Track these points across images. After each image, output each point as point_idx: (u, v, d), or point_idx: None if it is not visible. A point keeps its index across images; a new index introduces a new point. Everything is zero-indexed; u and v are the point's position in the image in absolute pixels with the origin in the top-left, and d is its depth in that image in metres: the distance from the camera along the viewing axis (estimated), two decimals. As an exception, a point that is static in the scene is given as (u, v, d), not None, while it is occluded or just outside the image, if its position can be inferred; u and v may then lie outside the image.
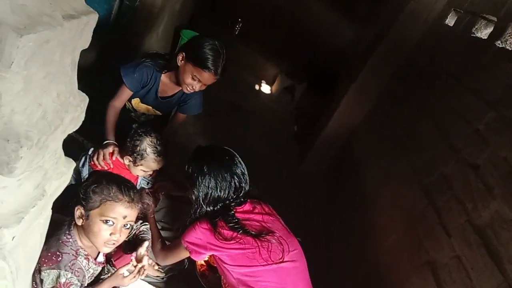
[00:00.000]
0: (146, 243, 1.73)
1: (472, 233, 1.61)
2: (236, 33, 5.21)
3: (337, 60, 4.50)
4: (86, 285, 1.59)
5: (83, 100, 1.26)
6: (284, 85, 4.79)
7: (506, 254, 1.41)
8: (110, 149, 2.03)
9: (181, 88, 2.25)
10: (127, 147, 2.01)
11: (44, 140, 1.04)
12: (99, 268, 1.66)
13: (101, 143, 2.08)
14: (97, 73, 2.28)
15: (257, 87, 5.03)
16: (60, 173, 1.32)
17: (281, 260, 1.69)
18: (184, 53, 2.08)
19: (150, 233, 1.89)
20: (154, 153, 2.00)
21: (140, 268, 1.66)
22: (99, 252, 1.65)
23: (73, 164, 1.42)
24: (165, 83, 2.29)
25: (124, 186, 1.54)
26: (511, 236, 1.42)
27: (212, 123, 3.89)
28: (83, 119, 1.26)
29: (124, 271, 1.63)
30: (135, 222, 1.64)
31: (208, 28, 4.44)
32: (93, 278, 1.65)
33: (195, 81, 2.09)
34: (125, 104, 2.39)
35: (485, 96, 1.90)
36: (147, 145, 1.98)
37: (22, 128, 0.95)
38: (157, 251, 1.94)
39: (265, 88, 5.02)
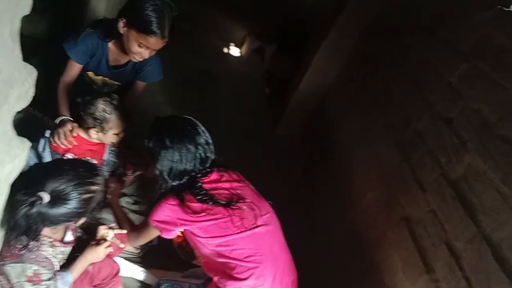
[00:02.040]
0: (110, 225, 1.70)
1: (447, 187, 1.62)
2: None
3: (306, 18, 4.37)
4: (58, 269, 1.52)
5: (31, 74, 1.14)
6: (253, 47, 4.65)
7: (479, 206, 1.42)
8: (69, 126, 1.91)
9: None
10: (86, 121, 1.90)
11: (-12, 120, 0.94)
12: (69, 248, 1.59)
13: (55, 122, 1.96)
14: (55, 43, 2.11)
15: (225, 50, 4.87)
16: (14, 155, 1.21)
17: (254, 225, 1.67)
18: (125, 19, 1.91)
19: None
20: (115, 109, 1.90)
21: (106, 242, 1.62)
22: (66, 232, 1.57)
23: (28, 144, 1.31)
24: (114, 52, 2.14)
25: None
26: (484, 188, 1.43)
27: (181, 91, 3.76)
28: (32, 94, 1.15)
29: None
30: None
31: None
32: (64, 260, 1.58)
33: (142, 48, 1.95)
34: (84, 78, 2.25)
35: (458, 48, 1.86)
36: (103, 106, 1.87)
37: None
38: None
39: (234, 51, 4.87)
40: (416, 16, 2.48)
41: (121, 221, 1.91)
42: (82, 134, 1.95)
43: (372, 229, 2.03)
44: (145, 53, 1.98)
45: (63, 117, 1.96)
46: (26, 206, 1.26)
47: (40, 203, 1.29)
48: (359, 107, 2.82)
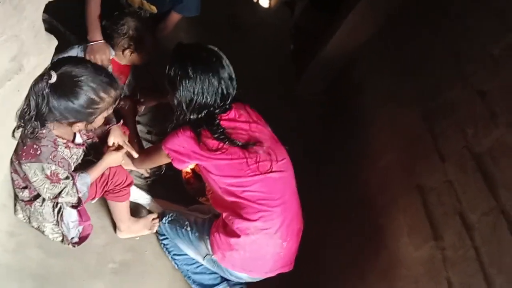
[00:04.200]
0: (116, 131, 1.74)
1: (470, 159, 1.58)
2: None
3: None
4: (72, 170, 1.54)
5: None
6: (284, -1, 4.49)
7: (502, 180, 1.39)
8: (108, 54, 1.87)
9: None
10: (118, 44, 1.85)
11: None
12: (81, 150, 1.60)
13: (87, 41, 1.89)
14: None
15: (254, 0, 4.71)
16: (40, 50, 1.18)
17: (269, 170, 1.65)
18: None
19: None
20: (147, 26, 1.86)
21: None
22: (75, 134, 1.57)
23: (55, 42, 1.28)
24: None
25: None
26: (510, 163, 1.38)
27: (205, 34, 3.65)
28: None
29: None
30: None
31: None
32: (78, 161, 1.60)
33: None
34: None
35: (509, 19, 1.75)
36: (134, 23, 1.83)
37: (-9, -23, 0.80)
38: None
39: (263, 2, 4.70)
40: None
41: (133, 139, 1.90)
42: (120, 59, 1.93)
43: (383, 193, 2.02)
44: None
45: (98, 42, 1.88)
46: (36, 80, 1.26)
47: (48, 80, 1.28)
48: (388, 71, 2.73)
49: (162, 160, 1.75)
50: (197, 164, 1.71)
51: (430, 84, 2.11)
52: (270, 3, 4.73)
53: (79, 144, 1.59)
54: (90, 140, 1.70)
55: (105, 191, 1.71)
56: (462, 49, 1.99)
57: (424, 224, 1.64)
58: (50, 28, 2.08)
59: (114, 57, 1.93)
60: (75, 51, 1.89)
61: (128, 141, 1.79)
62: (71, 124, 1.46)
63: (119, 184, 1.72)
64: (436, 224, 1.59)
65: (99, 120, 1.52)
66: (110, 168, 1.65)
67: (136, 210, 2.03)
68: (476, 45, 1.89)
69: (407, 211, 1.79)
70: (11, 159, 1.48)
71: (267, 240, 1.64)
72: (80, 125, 1.48)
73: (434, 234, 1.57)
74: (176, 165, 1.70)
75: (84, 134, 1.65)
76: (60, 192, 1.47)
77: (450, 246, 1.47)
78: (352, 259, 2.01)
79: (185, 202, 2.12)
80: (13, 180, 1.57)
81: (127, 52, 1.88)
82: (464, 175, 1.57)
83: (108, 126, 1.73)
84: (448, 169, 1.67)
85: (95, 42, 1.89)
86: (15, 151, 1.45)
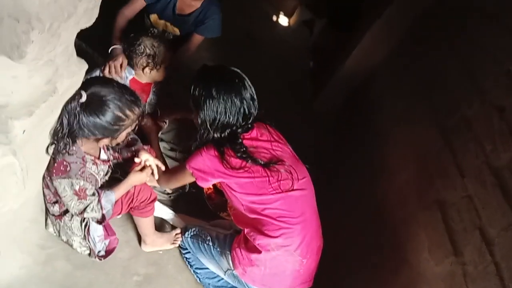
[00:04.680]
0: (143, 150, 1.80)
1: (489, 174, 1.57)
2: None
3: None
4: (99, 186, 1.61)
5: (97, -9, 1.17)
6: (303, 18, 4.58)
7: (522, 195, 1.38)
8: (120, 60, 1.95)
9: (198, 7, 2.15)
10: (138, 63, 1.93)
11: (57, 28, 0.97)
12: (106, 167, 1.68)
13: (108, 51, 2.00)
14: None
15: (274, 18, 4.81)
16: (72, 72, 1.26)
17: (290, 189, 1.68)
18: None
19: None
20: (161, 41, 1.93)
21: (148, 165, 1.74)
22: (100, 150, 1.66)
23: (85, 66, 1.36)
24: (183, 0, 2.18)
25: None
26: (530, 179, 1.39)
27: (226, 51, 3.75)
28: (97, 14, 1.18)
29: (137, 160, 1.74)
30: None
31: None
32: (105, 178, 1.67)
33: None
34: (145, 21, 2.30)
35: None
36: (149, 41, 1.91)
37: (33, 9, 0.88)
38: (159, 174, 1.90)
39: (283, 20, 4.81)
40: (481, 1, 2.37)
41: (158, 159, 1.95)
42: (139, 77, 2.00)
43: (402, 208, 2.02)
44: None
45: (115, 47, 1.99)
46: (68, 100, 1.36)
47: (79, 99, 1.38)
48: (404, 89, 2.75)
49: (186, 179, 1.80)
50: (220, 182, 1.76)
51: (446, 101, 2.12)
52: (289, 22, 4.84)
53: (104, 160, 1.67)
54: (116, 161, 1.77)
55: (131, 208, 1.78)
56: (478, 66, 2.01)
57: (444, 239, 1.64)
58: (79, 50, 2.21)
59: (134, 76, 2.01)
60: (98, 72, 2.00)
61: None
62: (97, 140, 1.54)
63: (144, 201, 1.78)
64: (456, 239, 1.59)
65: (122, 136, 1.60)
66: (135, 186, 1.71)
67: (159, 225, 2.09)
68: (492, 62, 1.90)
69: (427, 227, 1.79)
70: (43, 175, 1.57)
71: (287, 257, 1.66)
72: (106, 141, 1.56)
73: (454, 250, 1.56)
74: (200, 183, 1.75)
75: (111, 154, 1.73)
76: (85, 208, 1.55)
77: (470, 261, 1.46)
78: (372, 275, 2.01)
79: (206, 217, 2.16)
80: (44, 195, 1.65)
81: (147, 70, 1.96)
82: (483, 190, 1.57)
83: (133, 148, 1.81)
84: (467, 185, 1.67)
85: (112, 47, 1.99)
86: (47, 167, 1.54)
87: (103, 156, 1.68)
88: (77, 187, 1.49)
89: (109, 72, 1.93)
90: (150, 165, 1.74)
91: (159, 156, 1.99)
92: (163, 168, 1.82)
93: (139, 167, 1.72)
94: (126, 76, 1.98)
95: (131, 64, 1.99)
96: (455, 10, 2.63)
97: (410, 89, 2.66)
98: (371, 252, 2.09)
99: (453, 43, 2.39)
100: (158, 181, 1.89)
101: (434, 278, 1.61)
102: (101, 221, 1.64)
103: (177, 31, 2.33)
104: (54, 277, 1.66)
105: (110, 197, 1.60)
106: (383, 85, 3.15)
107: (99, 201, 1.56)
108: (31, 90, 1.09)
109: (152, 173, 1.76)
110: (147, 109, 2.12)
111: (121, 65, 1.94)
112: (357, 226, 2.35)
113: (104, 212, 1.59)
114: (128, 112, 1.51)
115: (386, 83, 3.13)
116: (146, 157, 1.74)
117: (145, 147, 1.86)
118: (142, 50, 1.90)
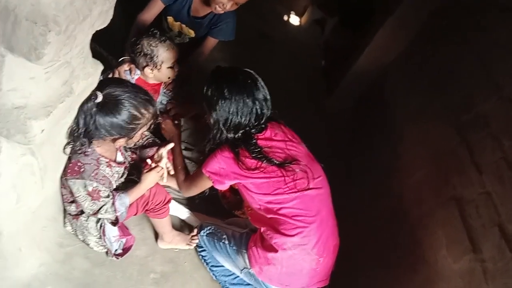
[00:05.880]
0: (169, 145, 1.81)
1: (507, 170, 1.55)
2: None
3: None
4: (114, 187, 1.63)
5: (112, -6, 1.19)
6: (314, 17, 4.56)
7: (541, 191, 1.36)
8: (126, 66, 1.96)
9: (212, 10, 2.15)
10: (138, 62, 1.94)
11: (72, 30, 0.99)
12: (122, 169, 1.69)
13: (118, 61, 2.02)
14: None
15: (285, 17, 4.81)
16: (88, 74, 1.29)
17: (306, 188, 1.67)
18: None
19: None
20: (160, 41, 1.92)
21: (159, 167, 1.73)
22: (116, 152, 1.67)
23: (101, 67, 1.38)
24: (197, 2, 2.20)
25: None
26: (549, 173, 1.36)
27: (238, 52, 3.77)
28: (111, 16, 1.20)
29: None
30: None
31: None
32: (121, 179, 1.69)
33: None
34: (162, 25, 2.31)
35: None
36: (146, 41, 1.91)
37: (49, 11, 0.90)
38: (180, 182, 1.93)
39: (294, 20, 4.80)
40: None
41: (178, 168, 1.94)
42: (143, 76, 2.02)
43: (419, 206, 2.00)
44: (228, 5, 2.02)
45: (125, 57, 2.01)
46: (84, 100, 1.38)
47: (94, 100, 1.40)
48: (418, 86, 2.72)
49: (205, 184, 1.80)
50: (236, 183, 1.75)
51: (461, 97, 2.09)
52: (300, 21, 4.83)
53: (120, 163, 1.69)
54: (133, 161, 1.80)
55: (146, 210, 1.79)
56: (493, 61, 1.98)
57: (462, 236, 1.62)
58: (94, 52, 2.24)
59: (140, 76, 2.03)
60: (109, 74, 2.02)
61: (174, 169, 1.88)
62: (114, 141, 1.56)
63: (159, 204, 1.79)
64: (475, 236, 1.57)
65: (138, 136, 1.62)
66: (150, 189, 1.72)
67: (175, 223, 2.10)
68: (507, 57, 1.87)
69: (445, 224, 1.77)
70: (60, 175, 1.60)
71: (303, 255, 1.66)
72: (122, 141, 1.58)
73: (473, 247, 1.54)
74: (217, 186, 1.75)
75: (129, 156, 1.75)
76: (99, 209, 1.56)
77: (489, 258, 1.44)
78: (388, 273, 1.99)
79: (221, 215, 2.17)
80: (62, 195, 1.68)
81: (148, 69, 1.96)
82: (501, 186, 1.54)
83: (151, 149, 1.83)
84: (485, 181, 1.65)
85: (120, 59, 2.01)
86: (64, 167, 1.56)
87: (120, 158, 1.70)
88: (90, 188, 1.51)
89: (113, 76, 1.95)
90: (161, 164, 1.75)
91: (180, 161, 1.96)
92: (172, 172, 1.84)
93: (148, 166, 1.73)
94: (131, 78, 1.99)
95: (135, 65, 2.01)
96: (469, 5, 2.59)
97: (425, 85, 2.63)
98: (388, 250, 2.08)
99: (468, 38, 2.36)
100: (179, 188, 1.93)
101: (453, 276, 1.59)
102: (115, 222, 1.66)
103: (192, 33, 2.35)
104: (73, 275, 1.68)
105: (124, 200, 1.62)
106: (397, 83, 3.12)
107: (113, 203, 1.58)
108: (48, 91, 1.11)
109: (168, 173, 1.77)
110: (158, 110, 2.14)
111: (130, 70, 1.96)
112: (373, 225, 2.33)
113: (118, 214, 1.61)
114: (143, 110, 1.53)
115: (399, 79, 3.10)
116: (159, 158, 1.76)
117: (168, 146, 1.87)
118: (139, 50, 1.92)
